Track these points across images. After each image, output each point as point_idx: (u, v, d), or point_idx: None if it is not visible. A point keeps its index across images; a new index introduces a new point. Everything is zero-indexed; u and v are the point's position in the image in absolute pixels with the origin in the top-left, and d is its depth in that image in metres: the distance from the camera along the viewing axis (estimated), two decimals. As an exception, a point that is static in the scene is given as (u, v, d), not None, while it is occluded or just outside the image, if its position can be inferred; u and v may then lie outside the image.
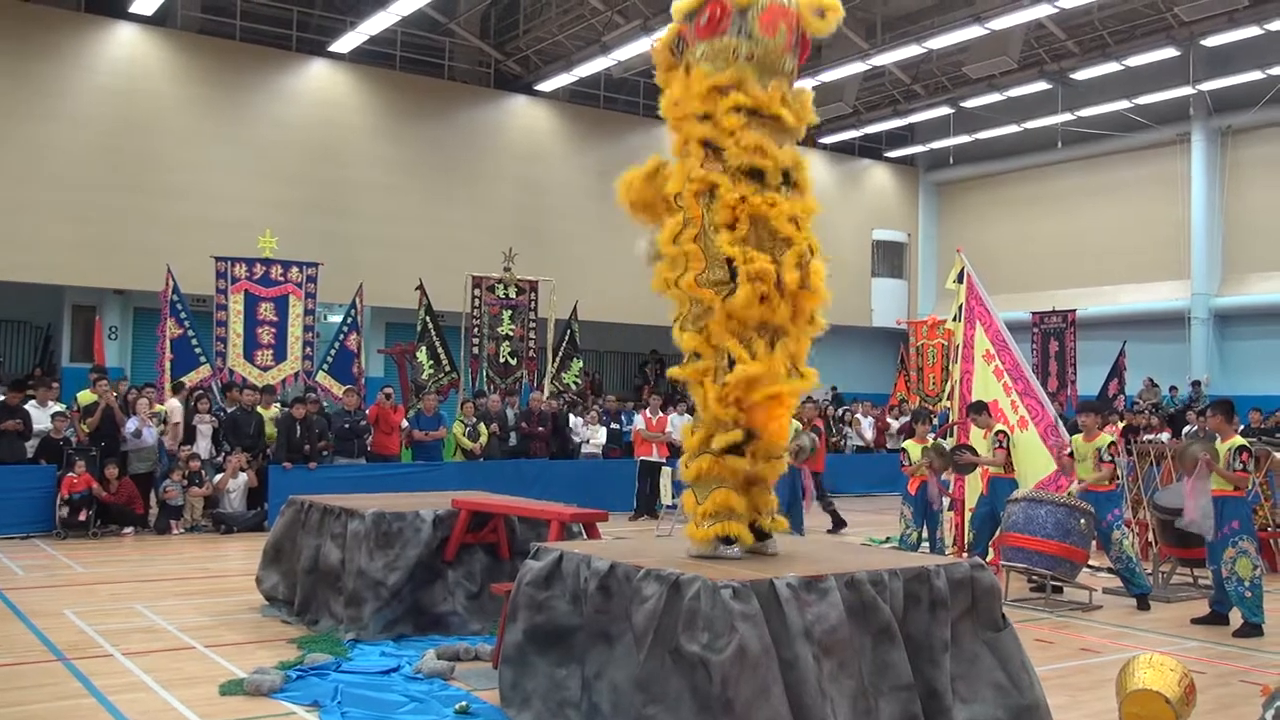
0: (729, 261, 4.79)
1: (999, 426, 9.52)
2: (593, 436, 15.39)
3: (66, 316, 19.09)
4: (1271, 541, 10.07)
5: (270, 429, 12.94)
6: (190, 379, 13.76)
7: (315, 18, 20.27)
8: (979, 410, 9.63)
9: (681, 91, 5.10)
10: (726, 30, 4.94)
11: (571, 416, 15.41)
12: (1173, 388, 21.01)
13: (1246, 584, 7.47)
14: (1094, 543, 8.63)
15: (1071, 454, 8.87)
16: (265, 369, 14.16)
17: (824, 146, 25.05)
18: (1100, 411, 9.58)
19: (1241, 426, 12.70)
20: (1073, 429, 10.35)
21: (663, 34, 5.36)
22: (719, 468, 4.87)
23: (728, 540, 4.87)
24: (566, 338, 16.40)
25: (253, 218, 16.71)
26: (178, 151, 18.42)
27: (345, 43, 19.58)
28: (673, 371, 5.22)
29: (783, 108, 4.95)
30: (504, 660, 4.96)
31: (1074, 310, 19.98)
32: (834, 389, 22.13)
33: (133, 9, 17.79)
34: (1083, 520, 8.32)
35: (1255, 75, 20.18)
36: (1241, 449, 7.68)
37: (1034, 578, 8.73)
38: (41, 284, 18.04)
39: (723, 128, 4.88)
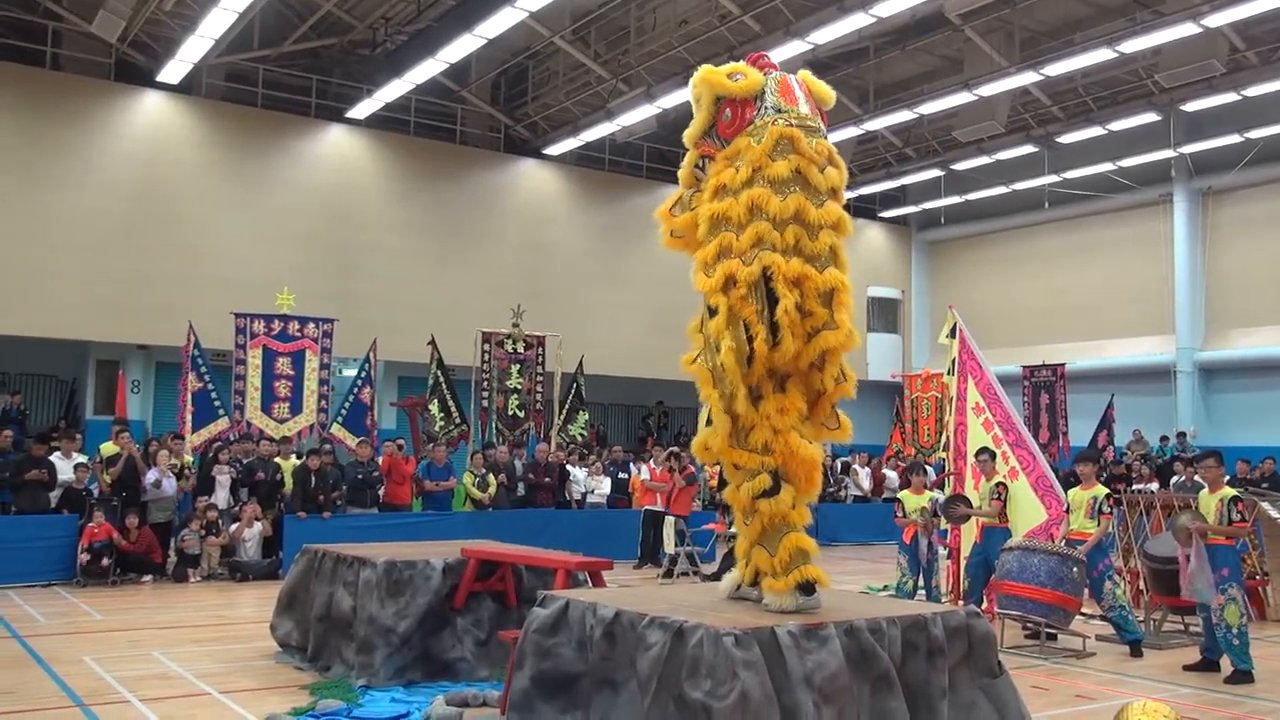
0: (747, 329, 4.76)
1: (998, 478, 9.73)
2: (597, 487, 15.74)
3: (91, 371, 19.51)
4: (1259, 589, 10.19)
5: (288, 480, 13.22)
6: (208, 431, 14.14)
7: (334, 85, 21.01)
8: (991, 456, 9.84)
9: (726, 177, 4.93)
10: (753, 117, 4.94)
11: (572, 469, 15.68)
12: (1163, 437, 21.40)
13: (1235, 631, 7.59)
14: (1086, 591, 8.75)
15: (1068, 509, 9.06)
16: (282, 421, 14.42)
17: (820, 206, 25.74)
18: (1098, 461, 9.80)
19: (1227, 477, 13.06)
20: (1065, 480, 10.70)
21: (683, 167, 5.32)
22: (778, 517, 4.79)
23: (808, 589, 4.74)
24: (573, 391, 16.76)
25: (271, 276, 17.15)
26: (200, 213, 19.03)
27: (362, 109, 20.30)
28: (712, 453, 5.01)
29: (830, 166, 4.91)
30: (511, 706, 4.93)
31: (1063, 364, 20.39)
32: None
33: (159, 78, 18.57)
34: (1075, 569, 8.46)
35: (1234, 139, 20.79)
36: (1236, 499, 7.82)
37: (1028, 625, 8.85)
38: (67, 339, 18.51)
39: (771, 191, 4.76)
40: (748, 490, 4.82)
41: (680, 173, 5.36)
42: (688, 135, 5.23)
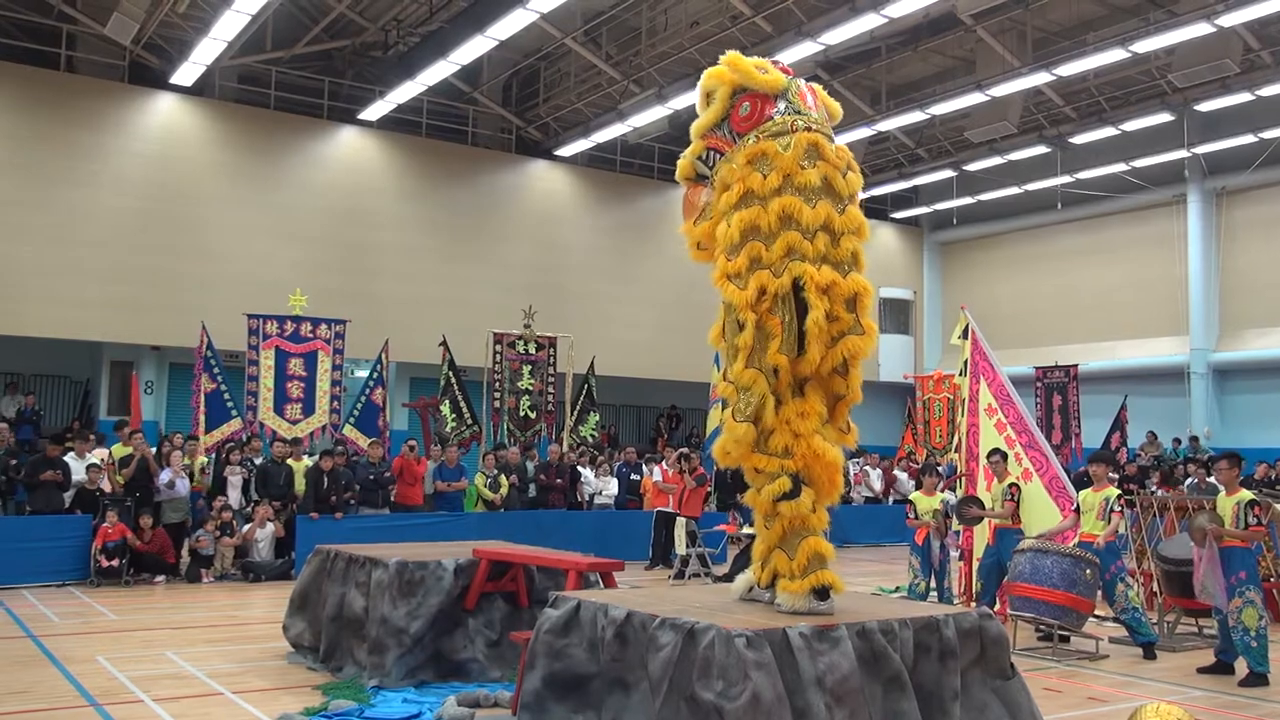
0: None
1: (1011, 479, 9.73)
2: (604, 488, 15.73)
3: (105, 371, 19.63)
4: (1276, 592, 10.11)
5: (300, 481, 13.23)
6: (221, 432, 14.20)
7: (345, 87, 21.09)
8: (1003, 457, 9.87)
9: (746, 176, 4.93)
10: (772, 114, 4.96)
11: (583, 470, 15.72)
12: (1175, 439, 21.31)
13: (1252, 634, 7.57)
14: (1099, 593, 8.73)
15: (1078, 509, 9.02)
16: (294, 422, 14.48)
17: (832, 207, 25.75)
18: (1110, 462, 9.66)
19: (1242, 478, 12.91)
20: (1077, 481, 10.66)
21: (684, 157, 5.31)
22: (797, 520, 4.82)
23: (823, 594, 4.77)
24: (584, 392, 16.82)
25: (283, 277, 17.27)
26: (213, 214, 19.13)
27: (374, 111, 20.36)
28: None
29: (849, 171, 4.98)
30: (523, 707, 4.94)
31: (1076, 365, 20.31)
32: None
33: (173, 80, 18.67)
34: (1088, 571, 8.45)
35: (1247, 139, 20.72)
36: (1253, 503, 7.80)
37: (1041, 627, 8.85)
38: (81, 340, 18.68)
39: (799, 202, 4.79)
40: (768, 493, 4.85)
41: (680, 162, 5.35)
42: (696, 127, 5.22)
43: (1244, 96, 19.10)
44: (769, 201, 4.82)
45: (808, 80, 5.34)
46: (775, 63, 5.22)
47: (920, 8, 16.33)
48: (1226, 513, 7.91)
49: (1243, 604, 7.62)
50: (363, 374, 16.34)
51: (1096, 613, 8.92)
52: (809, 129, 4.90)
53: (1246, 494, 7.96)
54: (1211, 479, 12.34)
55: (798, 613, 4.70)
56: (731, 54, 5.15)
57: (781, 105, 4.97)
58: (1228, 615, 7.72)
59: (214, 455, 13.89)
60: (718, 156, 5.11)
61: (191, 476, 13.01)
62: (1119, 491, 9.10)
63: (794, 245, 4.77)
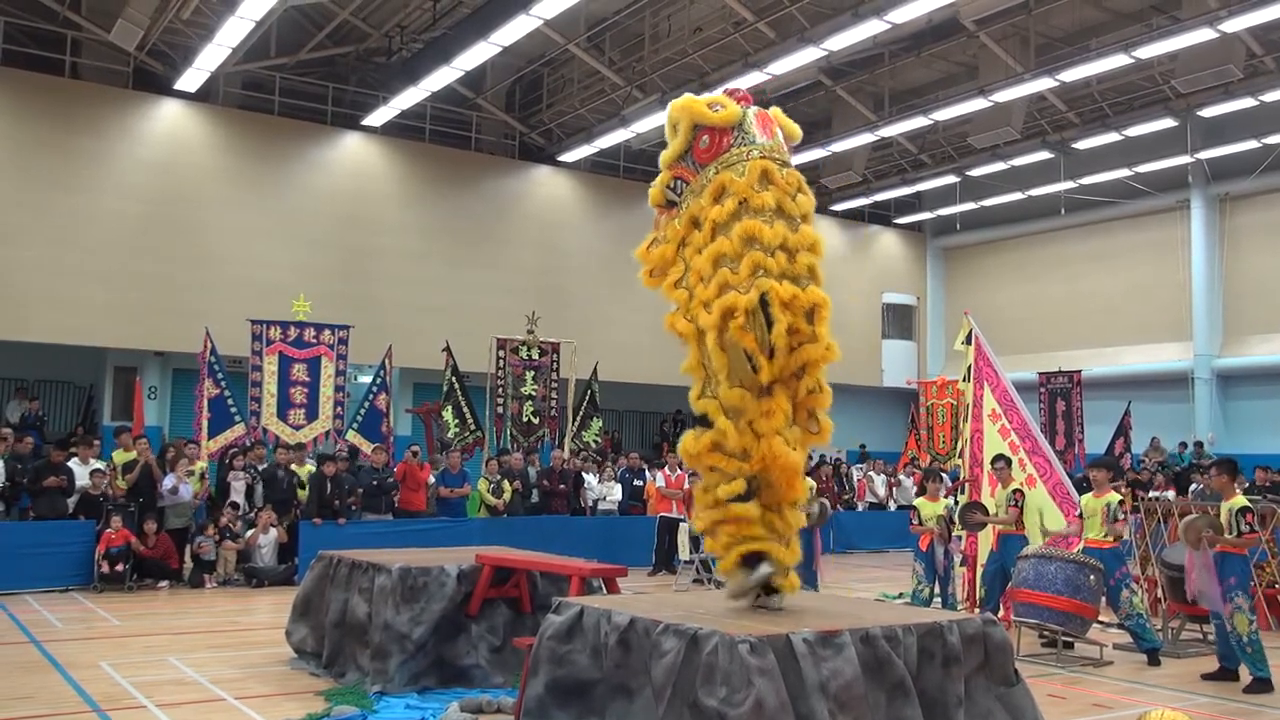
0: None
1: (1015, 485, 9.75)
2: (608, 494, 15.75)
3: (108, 377, 19.65)
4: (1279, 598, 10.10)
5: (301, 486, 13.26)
6: (224, 438, 14.22)
7: (349, 93, 21.14)
8: (1008, 463, 9.91)
9: (704, 208, 5.11)
10: (730, 145, 5.15)
11: (586, 475, 15.74)
12: (1181, 444, 21.30)
13: (1245, 639, 7.59)
14: (1103, 599, 8.73)
15: (1081, 515, 9.02)
16: (298, 428, 14.53)
17: (835, 213, 25.68)
18: (1111, 468, 9.65)
19: (1247, 484, 12.87)
20: (1079, 485, 10.65)
21: (654, 186, 5.49)
22: (728, 516, 4.94)
23: (753, 560, 4.89)
24: (587, 397, 16.83)
25: (287, 282, 17.29)
26: (216, 220, 19.17)
27: (377, 116, 20.36)
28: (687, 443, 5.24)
29: (800, 194, 5.13)
30: (525, 713, 4.96)
31: (1079, 371, 20.31)
32: (863, 446, 22.66)
33: (177, 86, 18.70)
34: (1092, 576, 8.45)
35: (1251, 144, 20.72)
36: (1244, 509, 7.81)
37: (1045, 633, 8.82)
38: (84, 346, 18.66)
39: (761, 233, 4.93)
40: (724, 492, 4.95)
41: (651, 190, 5.52)
42: (664, 158, 5.41)
43: (1247, 102, 19.10)
44: (729, 227, 4.99)
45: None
46: (734, 92, 5.39)
47: (923, 13, 16.34)
48: (1223, 519, 7.95)
49: (1233, 610, 7.65)
50: (366, 379, 16.36)
51: (1101, 619, 8.90)
52: (762, 156, 5.09)
53: (1239, 500, 7.99)
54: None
55: (741, 593, 4.86)
56: (685, 98, 5.33)
57: (740, 135, 5.17)
58: (1224, 621, 7.73)
59: (218, 460, 13.91)
60: (684, 185, 5.32)
61: (199, 479, 13.00)
62: (1121, 497, 9.11)
63: (759, 263, 4.91)
